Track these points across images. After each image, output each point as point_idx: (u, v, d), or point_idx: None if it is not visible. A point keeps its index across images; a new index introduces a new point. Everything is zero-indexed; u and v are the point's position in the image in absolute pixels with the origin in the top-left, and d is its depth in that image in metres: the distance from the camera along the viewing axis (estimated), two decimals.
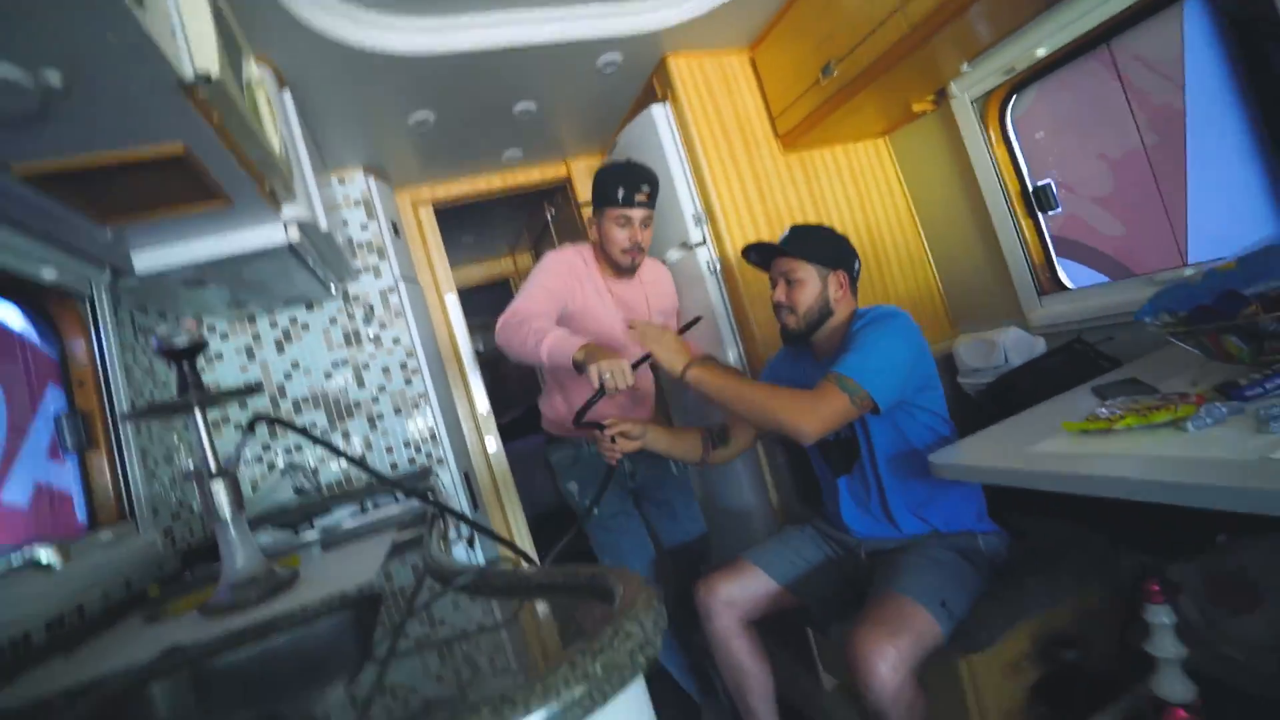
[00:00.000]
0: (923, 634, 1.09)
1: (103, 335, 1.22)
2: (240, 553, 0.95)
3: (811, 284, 1.37)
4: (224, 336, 2.01)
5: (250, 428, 1.02)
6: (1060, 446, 0.99)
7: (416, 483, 1.86)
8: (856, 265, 1.43)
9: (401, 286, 2.19)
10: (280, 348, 2.07)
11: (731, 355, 1.99)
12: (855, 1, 1.58)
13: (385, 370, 2.17)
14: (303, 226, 1.30)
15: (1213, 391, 0.98)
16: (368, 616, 0.82)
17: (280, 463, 2.03)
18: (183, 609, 1.03)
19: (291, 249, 1.28)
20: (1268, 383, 0.93)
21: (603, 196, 1.58)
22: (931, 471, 1.11)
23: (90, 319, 1.20)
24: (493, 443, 2.54)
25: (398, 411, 2.17)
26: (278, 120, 1.17)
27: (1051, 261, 1.87)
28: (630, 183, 1.56)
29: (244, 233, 1.22)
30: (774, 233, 2.02)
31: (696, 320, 1.56)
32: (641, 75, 2.05)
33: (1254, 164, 1.41)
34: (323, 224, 1.35)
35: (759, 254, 1.44)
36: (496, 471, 2.53)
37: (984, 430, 1.20)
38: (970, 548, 1.30)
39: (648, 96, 2.11)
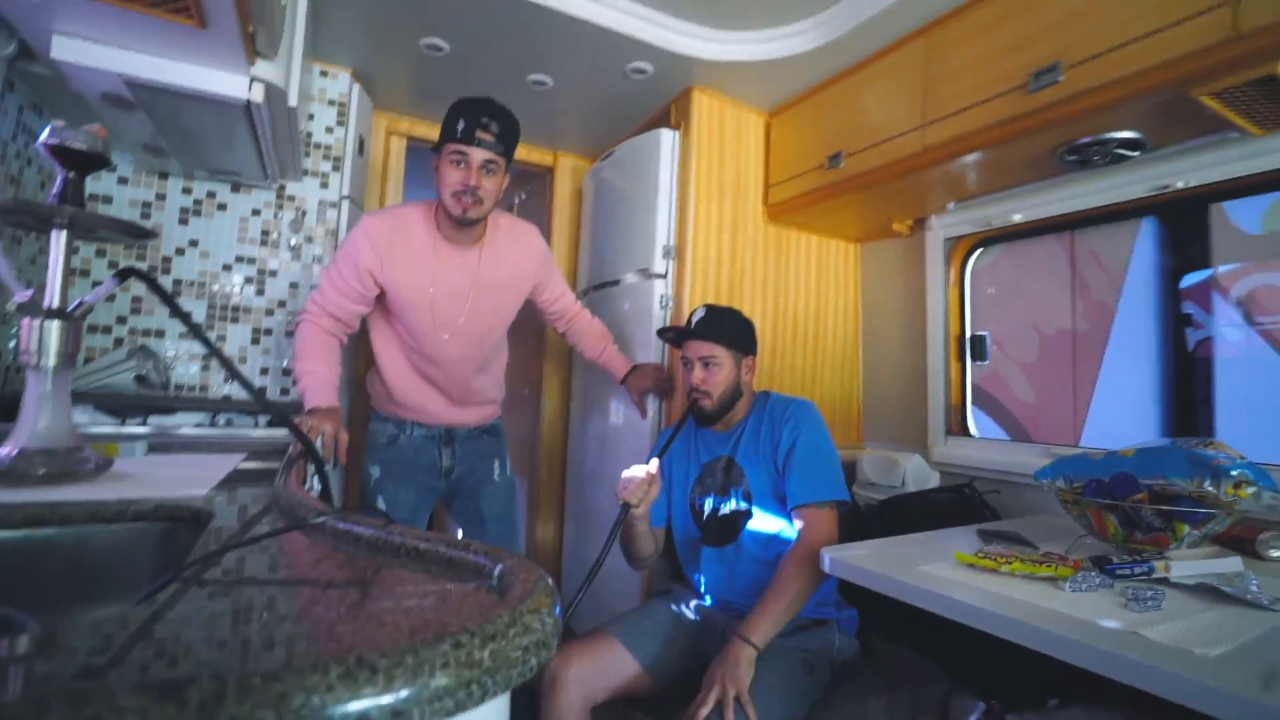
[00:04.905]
0: None
1: None
2: (46, 415, 0.77)
3: (727, 368, 1.39)
4: (122, 180, 1.74)
5: (121, 276, 0.85)
6: (949, 573, 1.01)
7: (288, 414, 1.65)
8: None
9: (345, 206, 2.01)
10: (184, 218, 1.82)
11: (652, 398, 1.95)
12: (881, 107, 1.66)
13: (293, 286, 1.95)
14: (270, 90, 1.14)
15: (1087, 561, 1.05)
16: (184, 535, 0.68)
17: (129, 339, 1.76)
18: None
19: (248, 110, 1.13)
20: (1135, 566, 1.00)
21: (445, 130, 1.35)
22: (820, 563, 1.11)
23: None
24: None
25: (289, 335, 1.95)
26: None
27: (965, 407, 1.99)
28: (474, 115, 1.32)
29: (203, 68, 1.06)
30: (733, 291, 2.04)
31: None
32: (664, 96, 2.05)
33: (1154, 379, 1.58)
34: (292, 98, 1.20)
35: (677, 334, 1.44)
36: None
37: (875, 539, 1.23)
38: (823, 647, 1.30)
39: (661, 120, 2.11)
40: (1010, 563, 1.02)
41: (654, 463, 1.29)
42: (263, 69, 1.13)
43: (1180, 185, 1.44)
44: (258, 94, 1.13)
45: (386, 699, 0.29)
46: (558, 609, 0.41)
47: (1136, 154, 1.35)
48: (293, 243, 1.95)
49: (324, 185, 1.99)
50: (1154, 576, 0.98)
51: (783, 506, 1.33)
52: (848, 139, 1.75)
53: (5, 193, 1.28)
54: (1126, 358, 1.62)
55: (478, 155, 1.33)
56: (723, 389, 1.39)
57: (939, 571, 1.02)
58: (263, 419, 1.41)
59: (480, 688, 0.32)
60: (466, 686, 0.31)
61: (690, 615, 1.42)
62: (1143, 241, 1.59)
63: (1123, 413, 1.63)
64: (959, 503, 1.65)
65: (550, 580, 0.43)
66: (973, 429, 1.97)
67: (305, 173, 1.95)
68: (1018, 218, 1.74)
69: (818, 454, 1.32)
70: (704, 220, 1.99)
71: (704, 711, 1.08)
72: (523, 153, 2.59)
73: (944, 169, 1.56)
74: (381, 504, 1.51)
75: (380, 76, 2.05)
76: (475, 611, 0.39)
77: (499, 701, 0.36)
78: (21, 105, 1.28)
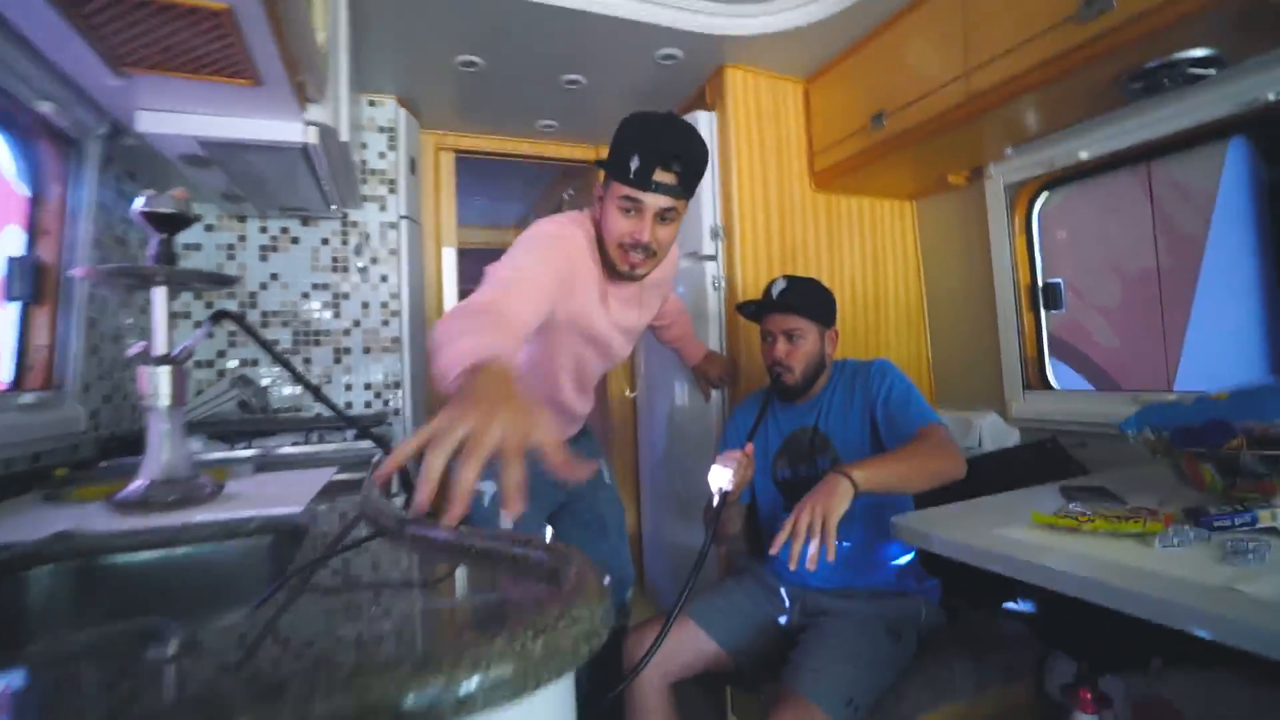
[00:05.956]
0: None
1: (83, 188, 1.14)
2: (167, 449, 0.89)
3: (810, 340, 1.38)
4: (208, 228, 1.92)
5: (215, 319, 0.96)
6: (1026, 535, 0.98)
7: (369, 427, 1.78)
8: None
9: (404, 225, 2.12)
10: (264, 255, 1.98)
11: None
12: (920, 60, 1.58)
13: (365, 305, 2.09)
14: (323, 131, 1.23)
15: (1181, 514, 0.98)
16: (287, 547, 0.76)
17: (230, 371, 1.94)
18: (89, 496, 0.96)
19: (305, 151, 1.22)
20: (1237, 517, 0.93)
21: (614, 163, 1.08)
22: (892, 532, 1.10)
23: (75, 168, 1.12)
24: None
25: (366, 350, 2.09)
26: (328, 16, 1.11)
27: (1043, 358, 1.89)
28: (652, 151, 1.04)
29: (261, 120, 1.15)
30: (786, 264, 2.01)
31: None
32: (697, 79, 2.03)
33: (1257, 311, 1.44)
34: (344, 134, 1.29)
35: (758, 306, 1.42)
36: None
37: (950, 504, 1.19)
38: (907, 615, 1.29)
39: (697, 102, 2.09)
40: (1092, 521, 0.98)
41: (749, 446, 1.30)
42: (314, 112, 1.22)
43: (1273, 97, 1.30)
44: (312, 136, 1.22)
45: (452, 689, 0.33)
46: (609, 595, 0.44)
47: (1213, 71, 1.23)
48: (360, 265, 2.09)
49: (382, 208, 2.11)
50: (1259, 527, 0.92)
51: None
52: (888, 97, 1.68)
53: (112, 250, 1.45)
54: (1223, 292, 1.49)
55: (654, 203, 1.06)
56: (806, 362, 1.38)
57: (1014, 534, 0.98)
58: (349, 433, 1.53)
59: (535, 677, 0.36)
60: (523, 676, 0.35)
61: (770, 591, 1.44)
62: (1232, 165, 1.44)
63: (1222, 351, 1.50)
64: (1042, 460, 1.58)
65: (604, 576, 0.46)
66: (1053, 381, 1.86)
67: (364, 199, 2.08)
68: (1084, 155, 1.62)
69: (912, 393, 1.34)
70: (749, 197, 1.97)
71: (783, 536, 1.03)
72: (565, 150, 2.63)
73: (995, 115, 1.47)
74: (506, 523, 1.28)
75: (423, 98, 2.14)
76: (531, 606, 0.43)
77: (561, 683, 0.40)
78: (118, 175, 1.43)
